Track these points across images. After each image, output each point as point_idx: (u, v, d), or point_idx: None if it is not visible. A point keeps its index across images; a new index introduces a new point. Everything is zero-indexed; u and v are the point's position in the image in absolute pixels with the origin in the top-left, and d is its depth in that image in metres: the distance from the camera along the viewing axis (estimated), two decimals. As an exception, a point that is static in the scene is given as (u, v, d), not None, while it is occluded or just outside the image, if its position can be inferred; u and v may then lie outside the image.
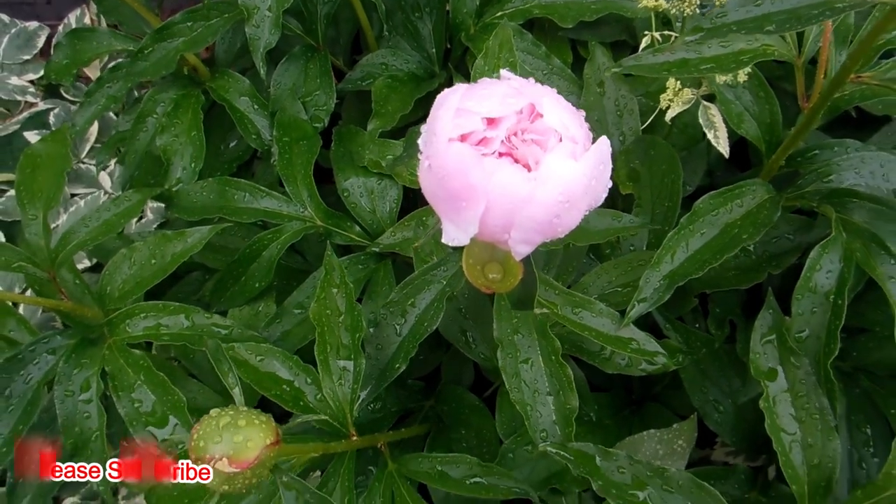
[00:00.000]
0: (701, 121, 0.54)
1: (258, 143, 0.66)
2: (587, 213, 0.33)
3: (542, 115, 0.30)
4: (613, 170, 0.60)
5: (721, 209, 0.47)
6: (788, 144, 0.47)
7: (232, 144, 0.73)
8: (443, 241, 0.32)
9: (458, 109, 0.30)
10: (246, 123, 0.66)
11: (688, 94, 0.51)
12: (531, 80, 0.32)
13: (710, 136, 0.54)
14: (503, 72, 0.33)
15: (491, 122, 0.30)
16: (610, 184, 0.33)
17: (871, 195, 0.45)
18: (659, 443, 0.48)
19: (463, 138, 0.30)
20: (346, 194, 0.62)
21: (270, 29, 0.58)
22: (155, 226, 0.76)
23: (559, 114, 0.30)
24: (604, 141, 0.31)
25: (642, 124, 0.61)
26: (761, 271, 0.54)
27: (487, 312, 0.50)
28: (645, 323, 0.54)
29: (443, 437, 0.57)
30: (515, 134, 0.30)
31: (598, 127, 0.62)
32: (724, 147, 0.54)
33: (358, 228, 0.62)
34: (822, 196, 0.47)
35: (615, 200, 0.61)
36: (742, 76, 0.50)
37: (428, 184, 0.32)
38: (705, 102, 0.55)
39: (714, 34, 0.33)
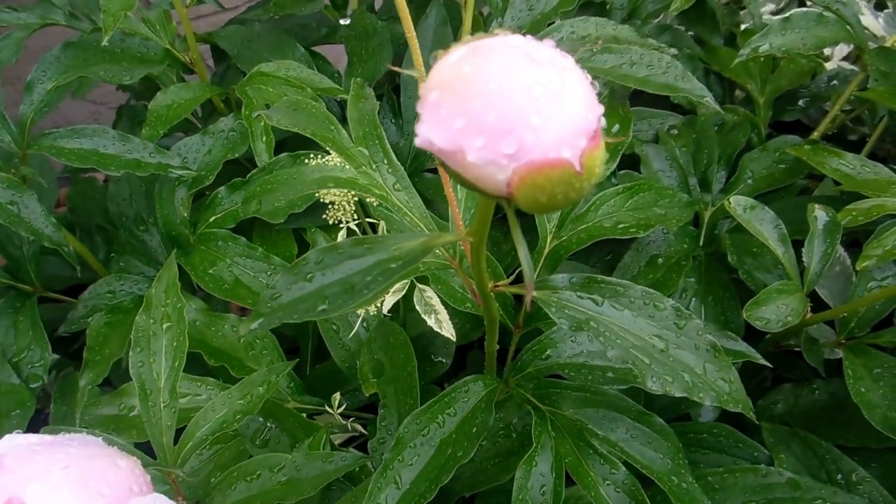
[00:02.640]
0: (418, 307, 0.50)
1: (-29, 422, 0.57)
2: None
3: (33, 508, 0.24)
4: (358, 366, 0.56)
5: (431, 426, 0.42)
6: (490, 343, 0.42)
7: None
8: None
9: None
10: (-50, 405, 0.58)
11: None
12: (53, 439, 0.26)
13: (430, 322, 0.50)
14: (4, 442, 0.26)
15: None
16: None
17: (575, 384, 0.41)
18: None
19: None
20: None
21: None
22: None
23: (56, 496, 0.24)
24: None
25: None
26: (522, 452, 0.49)
27: None
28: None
29: None
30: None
31: (337, 318, 0.57)
32: (448, 330, 0.50)
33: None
34: (536, 383, 0.43)
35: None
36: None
37: None
38: (420, 285, 0.51)
39: (269, 319, 0.28)
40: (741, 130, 0.73)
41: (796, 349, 0.57)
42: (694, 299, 0.59)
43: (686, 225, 0.64)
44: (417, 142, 0.20)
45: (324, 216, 0.46)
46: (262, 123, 0.59)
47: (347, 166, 0.39)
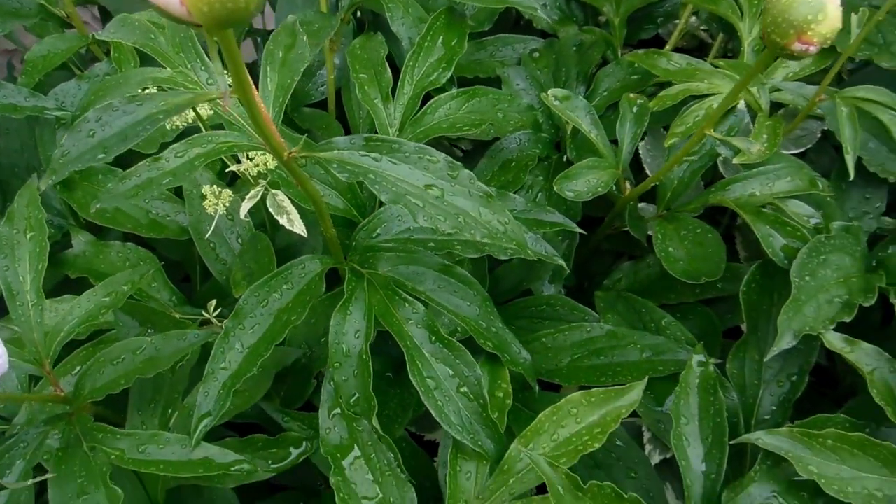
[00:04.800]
0: (271, 210, 0.55)
1: None
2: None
3: None
4: (231, 275, 0.61)
5: (271, 297, 0.47)
6: (326, 226, 0.48)
7: None
8: None
9: None
10: None
11: (227, 195, 0.52)
12: None
13: (283, 221, 0.55)
14: None
15: None
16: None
17: (389, 247, 0.47)
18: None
19: None
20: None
21: None
22: None
23: None
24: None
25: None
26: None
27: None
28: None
29: None
30: None
31: (213, 237, 0.62)
32: (299, 227, 0.55)
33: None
34: (362, 254, 0.48)
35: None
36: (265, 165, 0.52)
37: None
38: (272, 190, 0.56)
39: (61, 172, 0.33)
40: (597, 49, 0.78)
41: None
42: (540, 193, 0.65)
43: (539, 133, 0.70)
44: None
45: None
46: (132, 65, 0.64)
47: (168, 69, 0.44)
